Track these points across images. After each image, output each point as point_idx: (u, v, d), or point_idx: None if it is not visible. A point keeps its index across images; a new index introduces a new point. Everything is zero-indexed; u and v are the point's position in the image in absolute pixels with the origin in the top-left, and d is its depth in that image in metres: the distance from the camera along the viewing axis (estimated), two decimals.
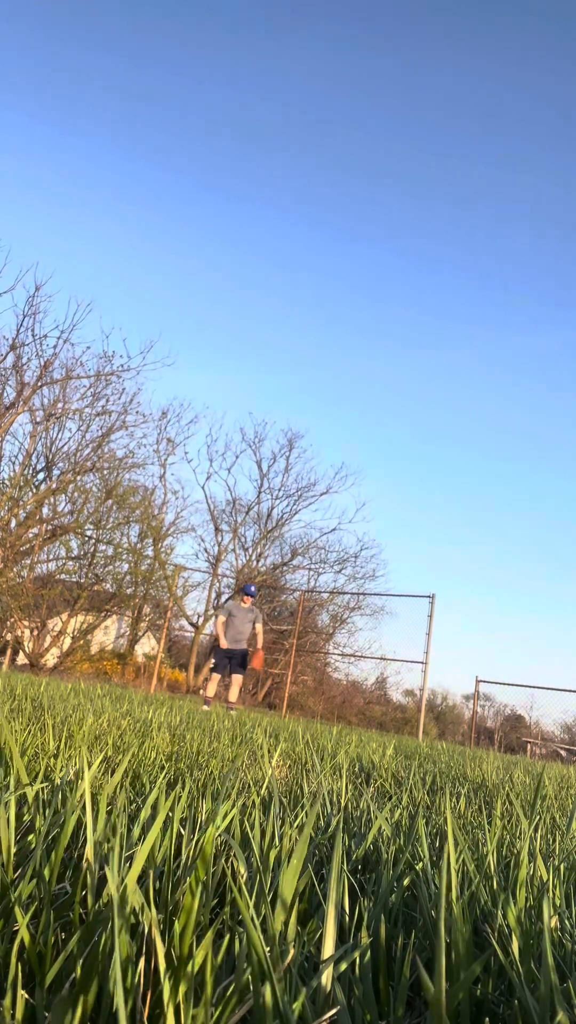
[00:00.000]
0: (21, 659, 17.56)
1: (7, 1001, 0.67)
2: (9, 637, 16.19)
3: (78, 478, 15.83)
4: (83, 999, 0.65)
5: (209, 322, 45.22)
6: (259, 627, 9.61)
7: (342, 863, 0.88)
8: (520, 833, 1.66)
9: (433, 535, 52.38)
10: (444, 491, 51.66)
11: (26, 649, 15.95)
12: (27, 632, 16.12)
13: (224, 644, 9.48)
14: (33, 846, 0.98)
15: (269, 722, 6.58)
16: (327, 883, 0.80)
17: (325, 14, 43.87)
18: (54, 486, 15.76)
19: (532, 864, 1.18)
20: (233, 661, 9.52)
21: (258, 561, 25.91)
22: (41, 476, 16.40)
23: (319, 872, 1.23)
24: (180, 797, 1.29)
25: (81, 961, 0.69)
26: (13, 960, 0.68)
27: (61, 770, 1.64)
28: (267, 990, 0.64)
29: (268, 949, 0.68)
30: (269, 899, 0.80)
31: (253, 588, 9.76)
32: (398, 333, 46.41)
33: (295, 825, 1.27)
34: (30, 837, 1.02)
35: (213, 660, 9.66)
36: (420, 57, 45.26)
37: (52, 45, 38.13)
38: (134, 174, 40.90)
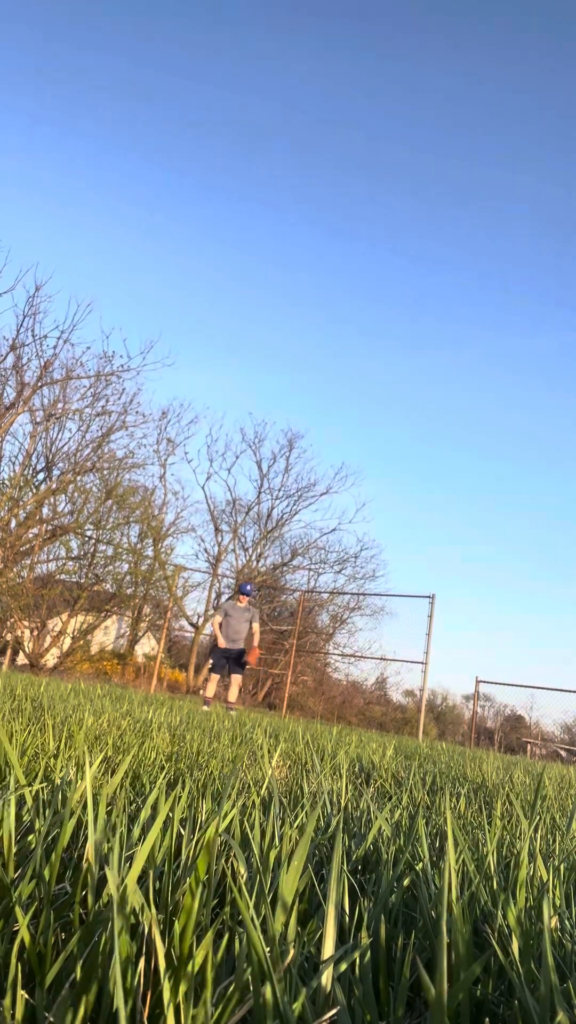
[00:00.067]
0: (21, 659, 17.56)
1: (7, 1001, 0.67)
2: (9, 637, 16.19)
3: (78, 478, 15.84)
4: (84, 999, 0.65)
5: (209, 322, 45.26)
6: (256, 626, 9.61)
7: (342, 863, 0.88)
8: (520, 833, 1.66)
9: (433, 535, 52.41)
10: (444, 491, 51.69)
11: (26, 649, 15.95)
12: (27, 632, 16.13)
13: (222, 644, 9.49)
14: (33, 846, 0.98)
15: (269, 722, 6.58)
16: (327, 883, 0.80)
17: (325, 14, 43.91)
18: (54, 486, 15.76)
19: (532, 864, 1.18)
20: (231, 661, 9.53)
21: (258, 561, 25.92)
22: (41, 476, 16.42)
23: (319, 872, 1.23)
24: (180, 797, 1.29)
25: (81, 961, 0.69)
26: (13, 960, 0.68)
27: (61, 770, 1.64)
28: (267, 990, 0.64)
29: (268, 949, 0.68)
30: (269, 899, 0.80)
31: (249, 587, 9.78)
32: (398, 333, 46.42)
33: (295, 825, 1.27)
34: (30, 837, 1.02)
35: (211, 661, 9.67)
36: (420, 57, 45.31)
37: (52, 45, 38.16)
38: (134, 174, 40.93)
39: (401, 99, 45.90)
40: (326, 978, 0.72)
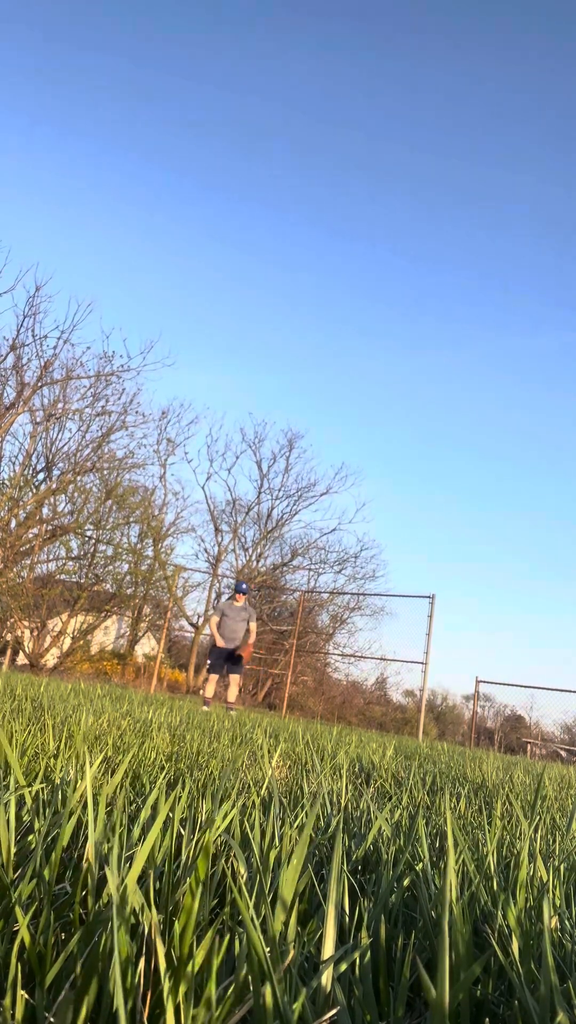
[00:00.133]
0: (21, 659, 17.55)
1: (7, 1001, 0.67)
2: (9, 637, 16.19)
3: (78, 478, 15.84)
4: (84, 999, 0.65)
5: (209, 322, 45.24)
6: (252, 625, 9.62)
7: (342, 863, 0.88)
8: (520, 834, 1.66)
9: (433, 535, 52.35)
10: (444, 491, 51.68)
11: (26, 649, 15.95)
12: (27, 632, 16.13)
13: (220, 644, 9.50)
14: (33, 846, 0.98)
15: (269, 722, 6.58)
16: (327, 883, 0.80)
17: (325, 14, 43.91)
18: (54, 486, 15.76)
19: (532, 865, 1.18)
20: (229, 660, 9.54)
21: (258, 561, 25.91)
22: (41, 476, 16.41)
23: (319, 872, 1.23)
24: (180, 797, 1.29)
25: (81, 961, 0.69)
26: (13, 960, 0.68)
27: (61, 770, 1.64)
28: (267, 990, 0.64)
29: (268, 949, 0.68)
30: (269, 899, 0.80)
31: (245, 586, 9.80)
32: (398, 333, 46.41)
33: (295, 825, 1.27)
34: (30, 837, 1.02)
35: (209, 661, 9.68)
36: (420, 57, 45.32)
37: (52, 45, 38.18)
38: (134, 174, 40.92)
39: (401, 99, 45.94)
40: (326, 978, 0.72)
